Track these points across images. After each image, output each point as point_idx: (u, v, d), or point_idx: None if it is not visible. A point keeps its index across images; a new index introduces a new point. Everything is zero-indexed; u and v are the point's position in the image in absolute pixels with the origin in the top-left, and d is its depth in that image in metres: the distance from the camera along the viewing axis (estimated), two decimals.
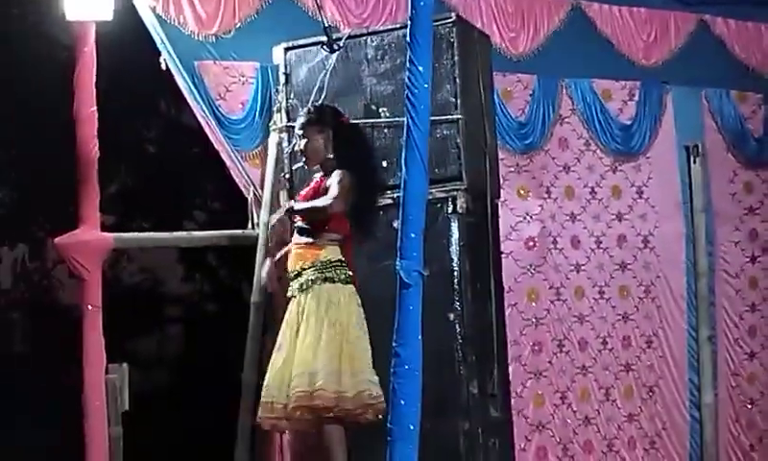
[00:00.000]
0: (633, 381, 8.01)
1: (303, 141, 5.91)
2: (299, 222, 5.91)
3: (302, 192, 6.00)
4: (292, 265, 5.86)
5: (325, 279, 5.73)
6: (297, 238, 5.89)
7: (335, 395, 5.55)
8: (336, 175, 5.77)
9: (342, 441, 5.69)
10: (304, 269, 5.77)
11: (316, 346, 5.63)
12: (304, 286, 5.75)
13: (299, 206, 5.88)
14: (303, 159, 5.97)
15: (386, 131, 6.21)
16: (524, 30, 7.71)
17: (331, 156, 5.88)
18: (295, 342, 5.73)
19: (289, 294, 5.86)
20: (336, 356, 5.61)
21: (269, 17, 6.90)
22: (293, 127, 6.34)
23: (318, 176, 5.95)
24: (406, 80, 4.64)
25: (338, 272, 5.76)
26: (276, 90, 6.67)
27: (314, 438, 5.88)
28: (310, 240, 5.81)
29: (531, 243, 7.74)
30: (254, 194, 6.88)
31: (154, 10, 6.67)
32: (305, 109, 6.08)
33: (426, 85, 4.64)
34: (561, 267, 7.85)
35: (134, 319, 10.99)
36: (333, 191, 5.70)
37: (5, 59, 9.93)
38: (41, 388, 9.61)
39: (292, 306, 5.83)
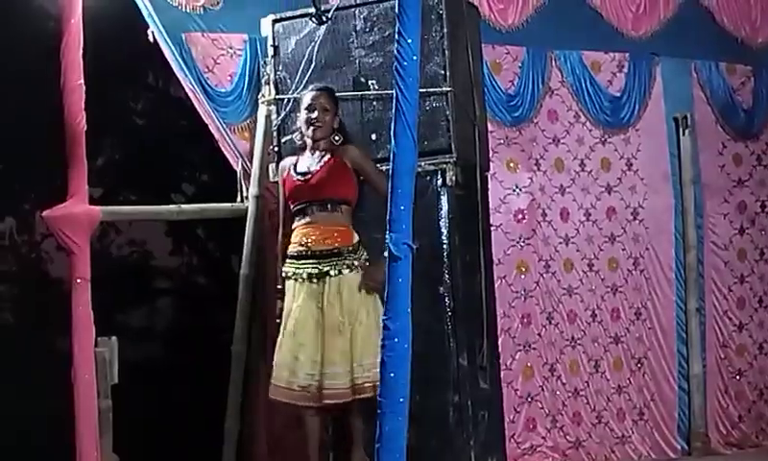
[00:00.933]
0: (621, 353, 8.04)
1: (322, 112, 5.78)
2: (305, 196, 5.74)
3: (312, 171, 5.76)
4: (314, 243, 5.67)
5: (352, 267, 5.62)
6: (318, 214, 5.71)
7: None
8: (356, 153, 5.76)
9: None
10: (333, 250, 5.64)
11: (353, 339, 5.57)
12: (333, 272, 5.61)
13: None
14: (313, 129, 5.78)
15: (375, 103, 6.18)
16: (513, 1, 7.70)
17: (338, 137, 5.82)
18: (322, 330, 5.58)
19: (303, 272, 5.67)
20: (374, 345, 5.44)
21: None
22: (281, 99, 6.31)
23: (322, 155, 5.79)
24: (395, 52, 4.62)
25: (360, 255, 5.68)
26: (265, 63, 6.62)
27: None
28: (335, 215, 5.69)
29: (520, 216, 7.74)
30: (243, 167, 6.87)
31: None
32: (319, 84, 5.97)
33: (415, 57, 4.62)
34: (550, 239, 7.86)
35: (123, 292, 10.99)
36: (376, 178, 5.63)
37: None
38: (31, 361, 9.59)
39: (310, 289, 5.64)
